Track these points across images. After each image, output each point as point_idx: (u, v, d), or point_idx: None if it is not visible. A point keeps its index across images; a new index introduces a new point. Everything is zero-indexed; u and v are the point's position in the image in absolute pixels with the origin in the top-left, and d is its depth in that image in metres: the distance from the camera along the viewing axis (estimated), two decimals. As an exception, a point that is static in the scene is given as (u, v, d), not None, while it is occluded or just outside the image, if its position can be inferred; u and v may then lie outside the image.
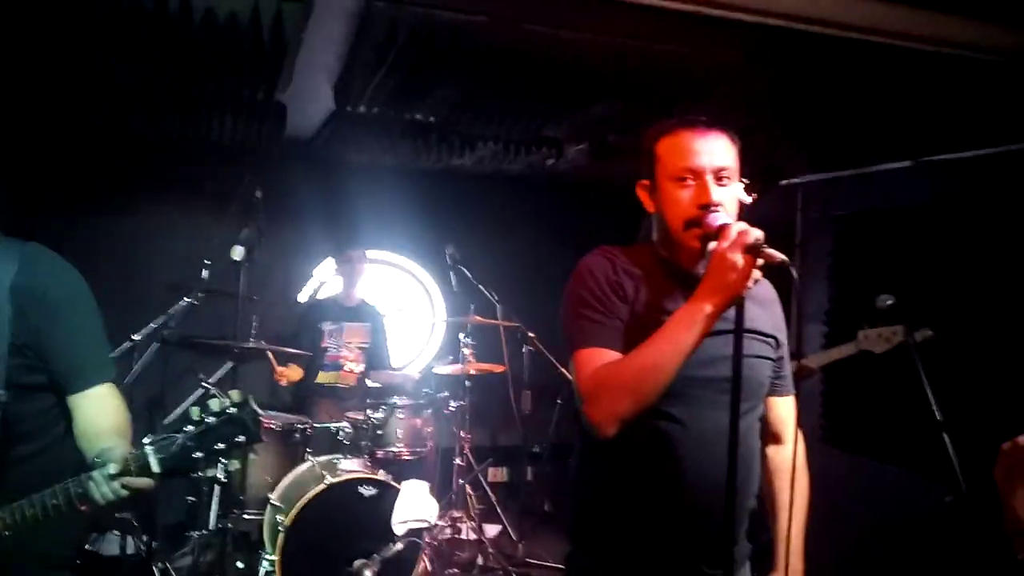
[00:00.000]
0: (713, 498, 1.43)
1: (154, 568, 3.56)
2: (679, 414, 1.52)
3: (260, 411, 1.59)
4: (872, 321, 2.97)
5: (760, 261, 1.39)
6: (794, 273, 1.35)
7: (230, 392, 1.57)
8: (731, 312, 1.44)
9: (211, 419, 1.53)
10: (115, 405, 1.78)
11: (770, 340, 1.64)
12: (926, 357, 2.62)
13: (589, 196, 5.38)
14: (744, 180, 1.60)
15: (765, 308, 1.67)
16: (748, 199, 1.61)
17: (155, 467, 1.52)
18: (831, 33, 2.41)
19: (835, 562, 2.85)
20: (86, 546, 3.73)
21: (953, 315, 3.31)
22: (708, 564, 1.53)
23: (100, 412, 1.74)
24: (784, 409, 1.76)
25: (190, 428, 1.53)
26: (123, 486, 1.51)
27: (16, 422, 1.67)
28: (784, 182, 4.41)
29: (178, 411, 4.06)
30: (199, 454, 1.53)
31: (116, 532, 3.72)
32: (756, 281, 1.40)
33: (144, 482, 1.52)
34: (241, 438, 1.54)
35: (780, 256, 1.36)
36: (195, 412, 1.54)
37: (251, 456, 3.75)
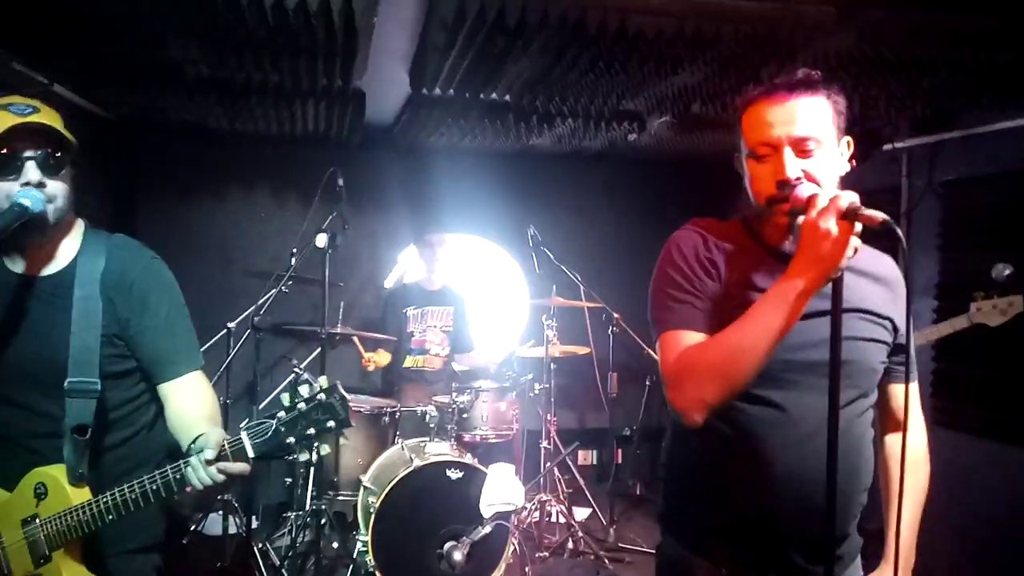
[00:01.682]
0: (813, 490, 1.32)
1: (254, 547, 3.70)
2: (778, 399, 1.42)
3: (348, 396, 1.60)
4: (987, 292, 2.74)
5: (858, 227, 1.26)
6: (899, 232, 1.21)
7: (319, 378, 1.59)
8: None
9: (302, 405, 1.56)
10: (205, 392, 1.82)
11: (884, 322, 1.49)
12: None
13: (674, 170, 5.22)
14: (848, 139, 1.46)
15: (883, 286, 1.52)
16: (846, 164, 1.48)
17: (250, 452, 1.56)
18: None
19: (957, 547, 2.67)
20: (191, 526, 3.92)
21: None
22: (808, 559, 1.43)
23: (191, 399, 1.79)
24: (903, 394, 1.61)
25: (282, 414, 1.56)
26: (220, 471, 1.56)
27: (109, 410, 1.74)
28: (886, 147, 4.14)
29: (272, 396, 4.21)
30: (291, 439, 1.56)
31: (219, 512, 3.89)
32: (856, 250, 1.27)
33: (240, 467, 1.57)
34: (331, 423, 1.57)
35: (880, 216, 1.22)
36: (286, 398, 1.57)
37: (343, 439, 3.84)
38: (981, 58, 2.68)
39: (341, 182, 3.52)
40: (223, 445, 1.56)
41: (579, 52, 2.66)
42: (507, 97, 3.43)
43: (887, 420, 1.63)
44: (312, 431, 1.57)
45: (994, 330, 2.71)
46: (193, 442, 1.64)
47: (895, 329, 1.52)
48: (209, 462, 1.55)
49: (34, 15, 2.42)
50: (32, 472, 1.68)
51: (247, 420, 1.64)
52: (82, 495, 1.67)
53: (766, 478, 1.43)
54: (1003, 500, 3.36)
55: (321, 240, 3.37)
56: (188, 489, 1.62)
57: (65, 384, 1.66)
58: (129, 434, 1.80)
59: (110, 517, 1.62)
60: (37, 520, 1.66)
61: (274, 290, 3.69)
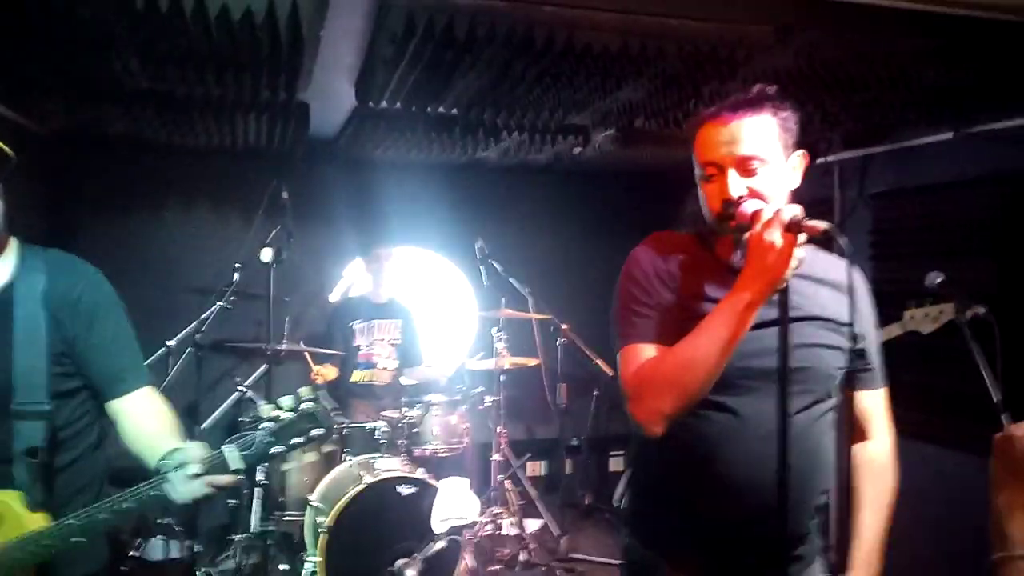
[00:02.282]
0: (766, 494, 1.37)
1: (198, 572, 3.59)
2: (733, 405, 1.47)
3: (332, 403, 1.62)
4: (919, 300, 2.86)
5: (802, 238, 1.33)
6: (842, 241, 1.29)
7: (300, 389, 1.61)
8: (798, 299, 1.41)
9: (287, 415, 1.57)
10: (161, 405, 1.80)
11: (843, 328, 1.54)
12: (978, 335, 2.51)
13: (618, 183, 5.32)
14: (800, 153, 1.52)
15: (844, 293, 1.53)
16: (798, 178, 1.53)
17: (236, 463, 1.56)
18: (866, 1, 2.31)
19: (904, 551, 2.75)
20: (131, 552, 3.78)
21: (1005, 292, 3.18)
22: (764, 561, 1.47)
23: (150, 413, 1.77)
24: (870, 403, 1.68)
25: (268, 424, 1.56)
26: (208, 484, 1.55)
27: (58, 430, 1.69)
28: (820, 160, 4.29)
29: (215, 415, 4.10)
30: (278, 449, 1.57)
31: (160, 537, 3.76)
32: (800, 261, 1.35)
33: (228, 479, 1.56)
34: (317, 431, 1.58)
35: (823, 225, 1.30)
36: (266, 410, 1.58)
37: (289, 457, 3.76)
38: (911, 76, 2.80)
39: (285, 195, 3.47)
40: (205, 458, 1.55)
41: (526, 67, 2.68)
42: (454, 111, 3.43)
43: (851, 427, 1.68)
44: (299, 440, 1.57)
45: (926, 337, 2.83)
46: (164, 457, 1.61)
47: (855, 336, 1.57)
48: (194, 476, 1.54)
49: (-40, 23, 2.33)
50: None
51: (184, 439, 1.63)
52: (39, 520, 1.61)
53: (722, 482, 1.48)
54: (937, 501, 3.49)
55: (266, 255, 3.32)
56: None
57: (12, 407, 1.61)
58: (77, 455, 1.75)
59: (74, 539, 1.57)
60: None
61: (217, 306, 3.60)
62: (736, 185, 1.44)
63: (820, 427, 1.54)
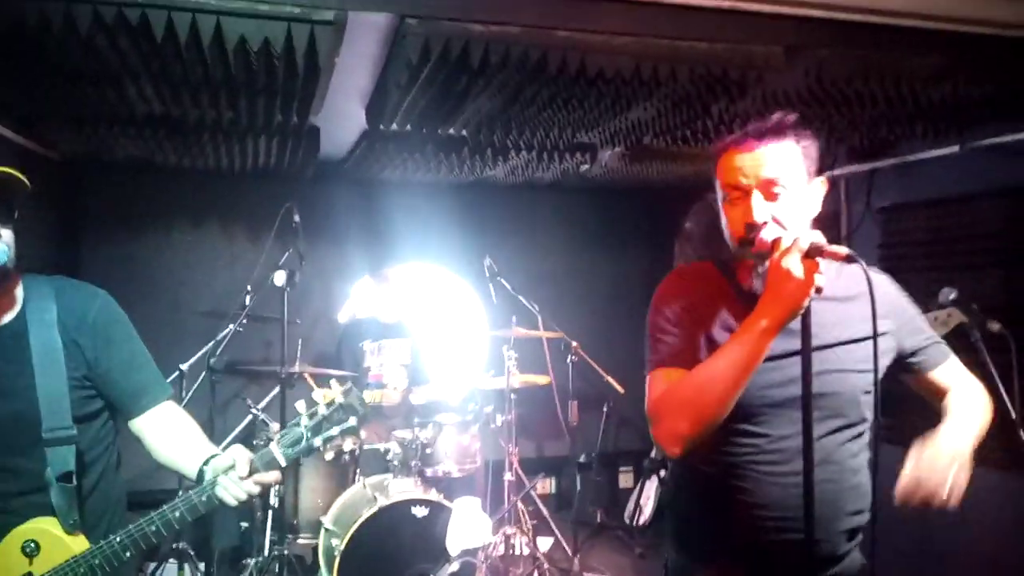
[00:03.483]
0: (795, 513, 1.39)
1: (212, 596, 3.58)
2: (763, 430, 1.51)
3: (362, 394, 1.75)
4: (925, 307, 2.88)
5: (823, 264, 1.35)
6: (863, 266, 1.31)
7: (331, 383, 1.71)
8: (825, 326, 1.45)
9: (323, 409, 1.67)
10: (187, 416, 1.85)
11: (870, 342, 1.53)
12: (991, 351, 2.52)
13: (624, 198, 5.34)
14: (821, 179, 1.55)
15: (867, 305, 1.52)
16: (819, 204, 1.55)
17: (282, 461, 1.65)
18: (874, 21, 2.34)
19: (916, 562, 2.74)
20: (145, 577, 3.77)
21: (1013, 305, 3.18)
22: None
23: (179, 423, 1.82)
24: (944, 375, 1.68)
25: (306, 420, 1.66)
26: (256, 483, 1.64)
27: (83, 452, 1.72)
28: (826, 175, 4.31)
29: (228, 440, 4.08)
30: (318, 442, 1.66)
31: (174, 561, 3.74)
32: (819, 290, 1.36)
33: (274, 476, 1.66)
34: (352, 421, 1.68)
35: (844, 251, 1.32)
36: (303, 407, 1.70)
37: (301, 479, 3.76)
38: (918, 93, 2.83)
39: (297, 218, 3.48)
40: (251, 460, 1.63)
41: (539, 90, 2.71)
42: (463, 132, 3.45)
43: (934, 396, 1.70)
44: (335, 431, 1.67)
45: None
46: (206, 463, 1.68)
47: (894, 338, 1.60)
48: (243, 477, 1.62)
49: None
50: (12, 532, 1.63)
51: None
52: (80, 543, 1.65)
53: (751, 502, 1.52)
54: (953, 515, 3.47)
55: (279, 278, 3.33)
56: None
57: (43, 435, 1.63)
58: (99, 475, 1.78)
59: (127, 554, 1.63)
60: None
61: (230, 328, 3.61)
62: (760, 209, 1.46)
63: (848, 451, 1.56)
